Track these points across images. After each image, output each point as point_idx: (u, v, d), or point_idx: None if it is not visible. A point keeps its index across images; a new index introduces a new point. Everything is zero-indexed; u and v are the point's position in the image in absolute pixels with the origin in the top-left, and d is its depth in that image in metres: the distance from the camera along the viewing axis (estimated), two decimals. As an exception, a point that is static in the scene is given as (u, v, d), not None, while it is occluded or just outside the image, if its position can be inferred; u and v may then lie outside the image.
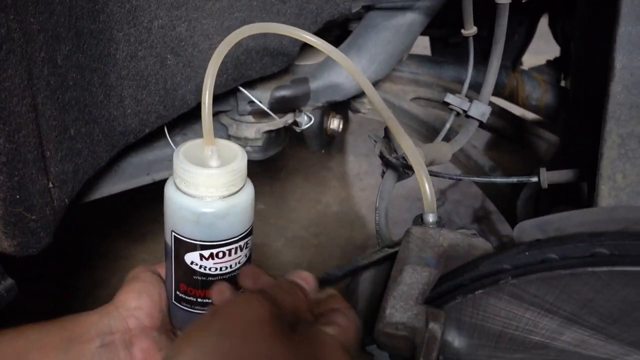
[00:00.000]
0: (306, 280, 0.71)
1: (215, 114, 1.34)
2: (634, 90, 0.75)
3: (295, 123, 1.33)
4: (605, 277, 0.59)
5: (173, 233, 0.77)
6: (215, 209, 0.74)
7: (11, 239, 0.87)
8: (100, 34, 0.95)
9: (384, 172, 1.00)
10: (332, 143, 1.49)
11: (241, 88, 1.21)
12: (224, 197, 0.75)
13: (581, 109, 0.96)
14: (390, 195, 1.00)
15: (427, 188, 0.78)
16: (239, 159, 0.76)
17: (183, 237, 0.77)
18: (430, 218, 0.81)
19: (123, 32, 0.98)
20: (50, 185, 0.91)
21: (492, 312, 0.64)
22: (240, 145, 1.31)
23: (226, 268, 0.78)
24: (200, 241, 0.76)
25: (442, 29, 1.62)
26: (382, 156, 0.98)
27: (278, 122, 1.30)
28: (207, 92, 0.75)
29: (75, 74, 0.92)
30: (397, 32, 1.29)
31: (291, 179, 2.48)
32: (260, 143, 1.32)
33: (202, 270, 0.78)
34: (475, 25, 1.07)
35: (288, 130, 1.38)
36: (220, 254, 0.77)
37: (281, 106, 1.29)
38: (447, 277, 0.67)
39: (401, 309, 0.64)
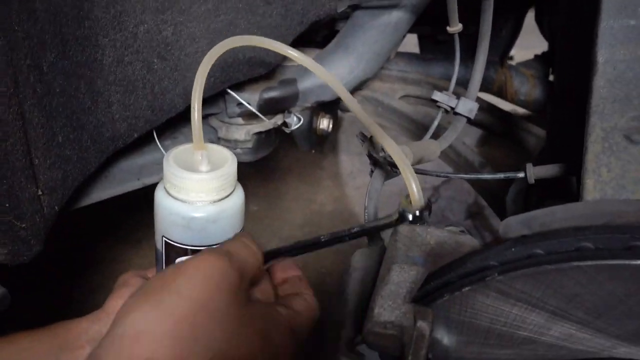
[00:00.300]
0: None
1: (205, 117, 1.34)
2: (617, 84, 0.75)
3: (285, 124, 1.33)
4: (590, 271, 0.60)
5: (164, 238, 0.77)
6: (206, 213, 0.75)
7: (1, 247, 0.87)
8: (86, 40, 0.95)
9: (372, 171, 1.01)
10: (323, 143, 1.49)
11: (229, 91, 1.21)
12: (215, 201, 0.75)
13: (566, 103, 0.97)
14: (379, 194, 1.00)
15: (414, 186, 0.78)
16: (229, 163, 0.77)
17: (174, 242, 0.77)
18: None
19: (109, 38, 0.98)
20: (40, 192, 0.91)
21: (480, 308, 0.64)
22: (230, 147, 1.33)
23: None
24: (191, 246, 0.76)
25: (430, 26, 1.63)
26: (369, 155, 0.98)
27: (267, 123, 1.30)
28: (197, 98, 0.75)
29: (61, 81, 0.92)
30: (384, 31, 1.29)
31: (285, 179, 2.48)
32: (250, 145, 1.32)
33: None
34: (462, 21, 1.07)
35: (278, 131, 1.39)
36: None
37: (270, 107, 1.29)
38: (435, 275, 0.67)
39: (389, 308, 0.64)
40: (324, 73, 0.81)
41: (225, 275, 0.63)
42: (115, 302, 0.78)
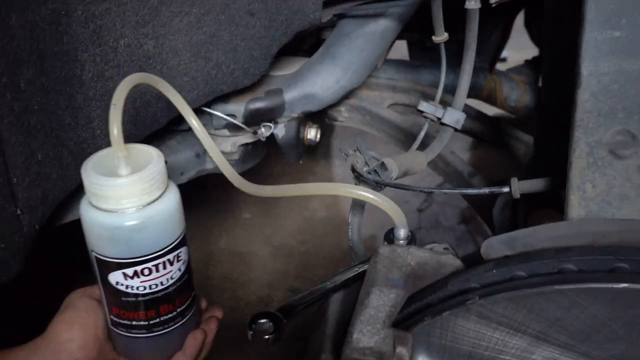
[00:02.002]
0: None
1: (190, 129, 1.32)
2: (601, 97, 0.74)
3: (271, 135, 1.32)
4: (572, 294, 0.58)
5: (93, 253, 0.72)
6: (130, 221, 0.69)
7: (-22, 268, 0.85)
8: (65, 56, 0.93)
9: (356, 184, 0.99)
10: (312, 153, 1.48)
11: (209, 109, 1.20)
12: (140, 207, 0.69)
13: (552, 116, 0.95)
14: (362, 209, 0.99)
15: (392, 207, 0.77)
16: (153, 163, 0.71)
17: (102, 256, 0.71)
18: (402, 233, 0.79)
19: (88, 53, 0.96)
20: (19, 212, 0.89)
21: (461, 332, 0.63)
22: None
23: (156, 286, 0.73)
24: (120, 259, 0.70)
25: (418, 33, 1.61)
26: (353, 170, 0.97)
27: (254, 134, 1.28)
28: (118, 96, 0.71)
29: (40, 98, 0.91)
30: (371, 40, 1.28)
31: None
32: (237, 156, 1.31)
33: (129, 290, 0.72)
34: (450, 29, 1.06)
35: (267, 140, 1.37)
36: (146, 271, 0.71)
37: (256, 118, 1.27)
38: (416, 298, 0.66)
39: (368, 333, 0.63)
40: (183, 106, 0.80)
41: None
42: (56, 328, 0.76)
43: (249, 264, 2.02)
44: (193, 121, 0.78)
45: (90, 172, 0.69)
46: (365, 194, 0.78)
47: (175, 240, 0.73)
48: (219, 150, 1.28)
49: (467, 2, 0.99)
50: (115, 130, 0.69)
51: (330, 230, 2.22)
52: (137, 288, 0.73)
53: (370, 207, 0.85)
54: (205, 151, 1.31)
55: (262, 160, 1.41)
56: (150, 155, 0.73)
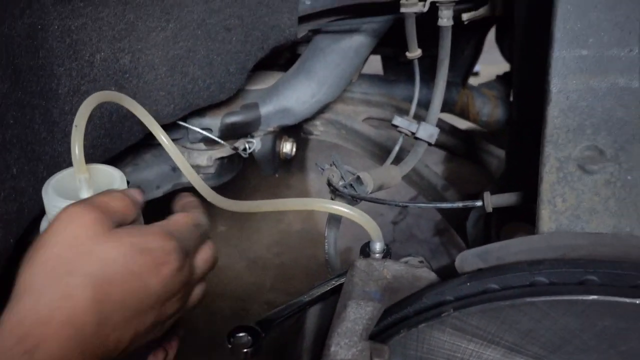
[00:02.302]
0: (137, 193, 0.72)
1: (166, 142, 1.33)
2: (570, 113, 0.76)
3: (247, 148, 1.33)
4: (543, 306, 0.60)
5: None
6: None
7: (-49, 284, 0.85)
8: (41, 70, 0.93)
9: (332, 199, 1.00)
10: (287, 166, 1.49)
11: (184, 123, 1.21)
12: None
13: (523, 130, 0.97)
14: (339, 223, 1.00)
15: (368, 221, 0.78)
16: (115, 186, 0.70)
17: None
18: (377, 247, 0.81)
19: (64, 67, 0.96)
20: (-6, 226, 0.89)
21: (437, 344, 0.64)
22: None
23: None
24: None
25: (392, 48, 1.63)
26: (329, 184, 0.98)
27: (229, 148, 1.29)
28: (82, 115, 0.71)
29: (15, 112, 0.90)
30: (346, 55, 1.29)
31: (252, 198, 2.46)
32: (213, 170, 1.31)
33: None
34: (423, 43, 1.07)
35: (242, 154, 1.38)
36: None
37: (232, 132, 1.28)
38: (392, 310, 0.67)
39: (345, 345, 0.64)
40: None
41: (84, 215, 0.64)
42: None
43: (224, 277, 2.01)
44: (162, 137, 0.78)
45: (51, 194, 0.69)
46: (341, 208, 0.79)
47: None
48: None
49: (440, 20, 1.02)
50: (77, 151, 0.69)
51: (306, 243, 2.22)
52: None
53: (345, 221, 0.86)
54: (181, 165, 1.32)
55: (238, 173, 1.42)
56: (112, 177, 0.73)
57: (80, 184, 0.69)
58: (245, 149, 1.29)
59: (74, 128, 0.69)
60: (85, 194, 0.69)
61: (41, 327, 0.58)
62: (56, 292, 0.60)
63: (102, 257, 0.62)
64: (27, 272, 0.62)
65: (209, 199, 0.83)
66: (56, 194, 0.69)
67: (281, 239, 2.25)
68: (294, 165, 2.60)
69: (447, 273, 0.72)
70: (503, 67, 1.91)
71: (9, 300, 0.62)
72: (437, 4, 1.00)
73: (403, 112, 1.58)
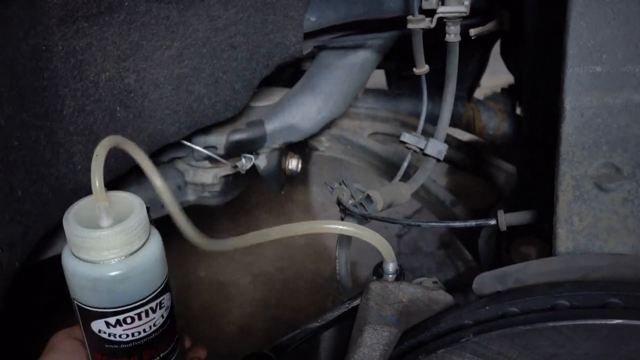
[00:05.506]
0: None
1: (171, 160, 1.32)
2: (585, 131, 0.75)
3: (252, 165, 1.31)
4: (566, 331, 0.59)
5: (75, 302, 0.71)
6: (112, 272, 0.68)
7: (-44, 308, 0.83)
8: (45, 91, 0.92)
9: (342, 219, 0.99)
10: (292, 179, 1.47)
11: (188, 143, 1.20)
12: (122, 257, 0.68)
13: (535, 147, 0.96)
14: (349, 243, 0.98)
15: (380, 242, 0.76)
16: (135, 213, 0.70)
17: (84, 305, 0.70)
18: (390, 268, 0.79)
19: (69, 88, 0.96)
20: (-2, 249, 0.88)
21: (456, 370, 0.63)
22: (197, 191, 1.31)
23: (139, 333, 0.72)
24: (102, 308, 0.69)
25: (396, 62, 1.62)
26: (339, 203, 0.96)
27: (230, 167, 1.28)
28: (102, 146, 0.70)
29: (20, 134, 0.89)
30: (351, 71, 1.28)
31: (256, 212, 2.45)
32: (218, 188, 1.30)
33: (112, 338, 0.71)
34: (430, 58, 1.06)
35: (248, 171, 1.37)
36: (129, 320, 0.71)
37: (237, 150, 1.27)
38: (409, 335, 0.66)
39: (363, 373, 0.62)
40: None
41: None
42: None
43: (229, 293, 2.00)
44: (155, 182, 0.78)
45: (72, 223, 0.68)
46: (353, 229, 0.77)
47: (157, 288, 0.72)
48: (195, 182, 1.29)
49: (447, 36, 1.01)
50: (97, 181, 0.68)
51: (309, 257, 2.21)
52: (120, 336, 0.71)
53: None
54: (186, 182, 1.31)
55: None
56: (132, 204, 0.72)
57: (100, 212, 0.68)
58: (243, 165, 1.27)
59: (94, 157, 0.68)
60: (105, 222, 0.69)
61: None
62: None
63: None
64: None
65: (195, 242, 0.84)
66: (77, 222, 0.68)
67: (284, 254, 2.24)
68: (297, 179, 2.59)
69: (454, 286, 0.70)
70: (503, 78, 1.90)
71: None
72: (445, 20, 0.99)
73: (409, 126, 1.57)
